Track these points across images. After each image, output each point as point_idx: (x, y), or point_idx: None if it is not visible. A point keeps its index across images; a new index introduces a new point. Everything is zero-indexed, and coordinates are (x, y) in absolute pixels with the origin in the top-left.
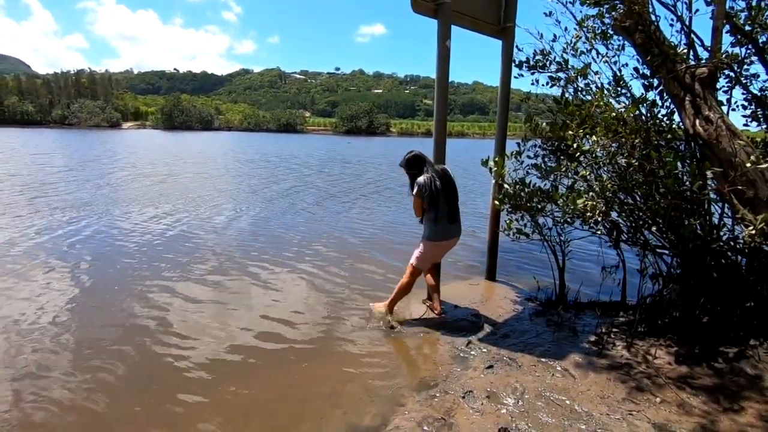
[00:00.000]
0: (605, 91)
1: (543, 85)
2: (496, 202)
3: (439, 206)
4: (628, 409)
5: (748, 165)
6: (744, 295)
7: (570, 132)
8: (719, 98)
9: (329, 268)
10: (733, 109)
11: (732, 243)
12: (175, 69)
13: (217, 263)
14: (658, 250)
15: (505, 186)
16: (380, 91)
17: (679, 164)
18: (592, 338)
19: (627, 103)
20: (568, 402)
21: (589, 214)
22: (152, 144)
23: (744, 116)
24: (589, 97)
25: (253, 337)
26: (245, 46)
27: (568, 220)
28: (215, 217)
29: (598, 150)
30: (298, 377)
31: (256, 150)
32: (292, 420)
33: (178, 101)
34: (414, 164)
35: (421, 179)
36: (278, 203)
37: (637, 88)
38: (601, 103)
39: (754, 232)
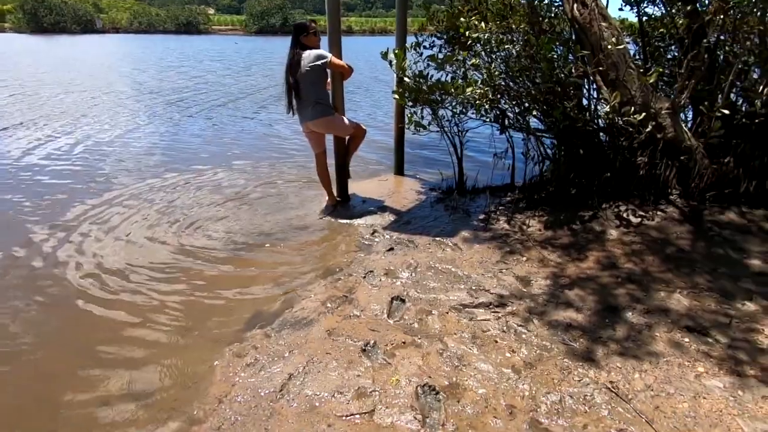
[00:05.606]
0: None
1: None
2: (396, 96)
3: (288, 88)
4: (500, 269)
5: (610, 47)
6: (603, 168)
7: (462, 19)
8: None
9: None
10: None
11: (595, 121)
12: None
13: (127, 176)
14: (538, 134)
15: (406, 79)
16: None
17: (559, 49)
18: (481, 216)
19: None
20: (453, 269)
21: (478, 102)
22: (21, 51)
23: (623, 0)
24: None
25: (166, 249)
26: None
27: (463, 110)
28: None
29: (485, 36)
30: (207, 280)
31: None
32: (201, 315)
33: None
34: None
35: None
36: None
37: None
38: None
39: (608, 108)
